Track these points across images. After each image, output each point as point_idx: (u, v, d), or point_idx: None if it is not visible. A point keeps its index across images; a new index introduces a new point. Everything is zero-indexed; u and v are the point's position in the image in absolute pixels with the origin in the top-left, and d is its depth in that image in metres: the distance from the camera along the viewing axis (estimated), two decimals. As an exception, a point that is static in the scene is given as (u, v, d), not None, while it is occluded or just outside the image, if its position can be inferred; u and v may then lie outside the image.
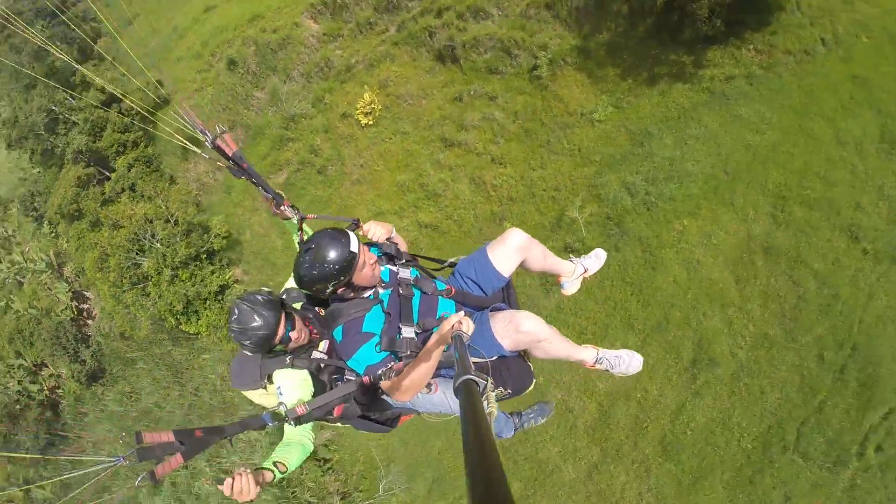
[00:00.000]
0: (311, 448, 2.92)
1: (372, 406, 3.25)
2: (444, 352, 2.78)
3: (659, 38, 14.91)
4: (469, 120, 15.98)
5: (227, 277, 18.60)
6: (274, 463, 2.59)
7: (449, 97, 16.76)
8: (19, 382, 23.49)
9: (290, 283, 3.29)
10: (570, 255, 3.92)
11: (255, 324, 2.75)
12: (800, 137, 12.78)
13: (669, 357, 11.77)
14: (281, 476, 2.57)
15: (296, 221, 3.37)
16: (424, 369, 2.75)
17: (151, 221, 17.85)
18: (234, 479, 2.25)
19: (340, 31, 19.71)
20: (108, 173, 22.05)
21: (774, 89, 13.51)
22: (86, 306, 25.00)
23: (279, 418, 2.50)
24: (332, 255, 2.76)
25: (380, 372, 2.81)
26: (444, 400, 3.18)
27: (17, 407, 22.99)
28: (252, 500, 2.29)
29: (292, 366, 3.01)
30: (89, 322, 24.31)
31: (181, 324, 17.68)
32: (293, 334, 2.93)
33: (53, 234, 24.61)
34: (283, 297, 3.15)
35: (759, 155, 12.91)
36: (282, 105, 19.48)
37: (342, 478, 14.75)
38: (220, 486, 2.25)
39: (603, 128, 14.57)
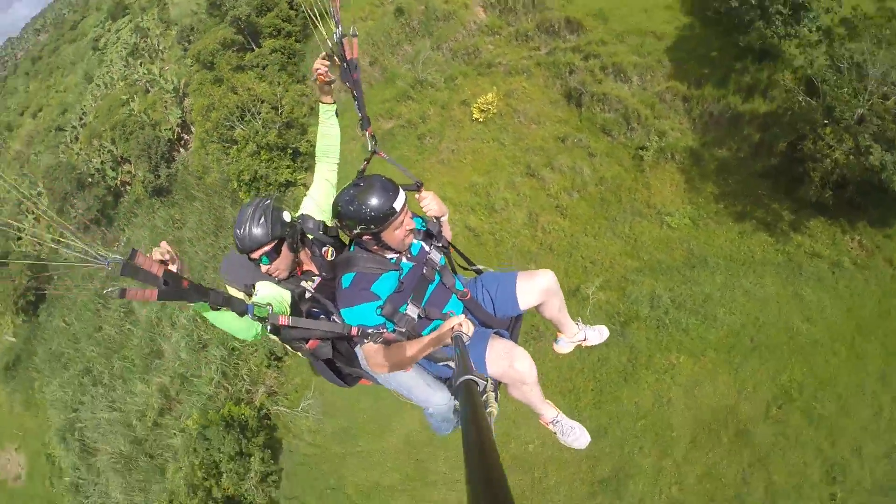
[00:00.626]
0: (249, 337, 2.78)
1: (345, 358, 3.30)
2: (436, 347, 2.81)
3: (774, 182, 14.57)
4: (559, 163, 16.39)
5: (296, 177, 20.55)
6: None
7: (555, 133, 17.18)
8: (102, 163, 26.99)
9: (307, 209, 3.23)
10: (578, 319, 4.01)
11: (240, 230, 2.75)
12: (845, 350, 12.08)
13: (585, 464, 11.67)
14: (202, 310, 2.44)
15: (369, 148, 3.34)
16: (411, 355, 2.79)
17: (263, 102, 20.04)
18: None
19: (500, 29, 20.56)
20: (254, 46, 24.45)
21: (852, 290, 12.87)
22: (186, 137, 28.11)
23: (260, 317, 2.47)
24: (374, 201, 2.73)
25: (370, 331, 2.83)
26: (409, 383, 3.21)
27: (90, 180, 26.55)
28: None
29: (278, 282, 3.00)
30: (181, 150, 27.39)
31: (240, 191, 19.87)
32: (265, 267, 2.91)
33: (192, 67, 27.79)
34: (298, 221, 3.10)
35: (794, 342, 12.37)
36: (417, 66, 20.79)
37: (280, 379, 16.06)
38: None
39: (669, 234, 14.55)
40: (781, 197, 14.28)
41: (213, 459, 12.94)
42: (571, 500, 11.49)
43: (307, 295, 3.02)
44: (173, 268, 2.11)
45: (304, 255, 3.03)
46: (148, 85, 29.88)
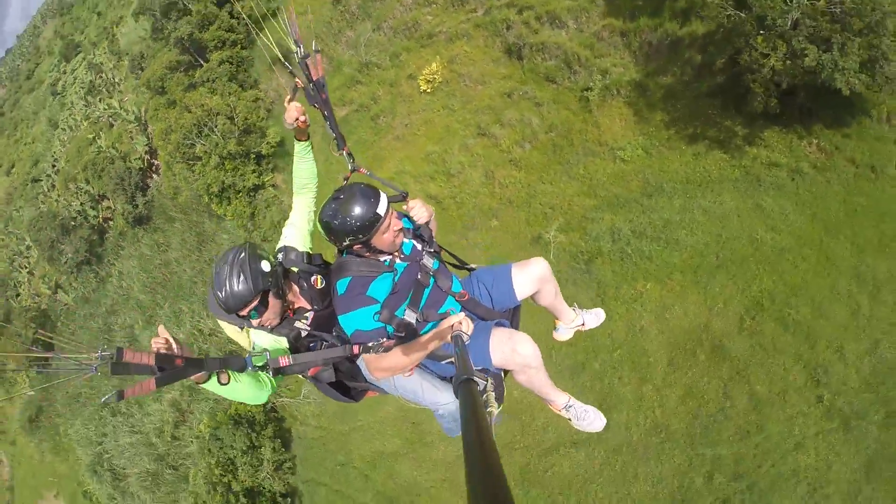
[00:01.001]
0: (264, 400, 2.82)
1: (346, 375, 3.31)
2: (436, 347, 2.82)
3: (722, 100, 14.50)
4: (508, 117, 16.57)
5: (264, 180, 21.04)
6: (222, 372, 2.45)
7: (501, 90, 17.29)
8: (81, 205, 27.63)
9: (288, 239, 3.14)
10: (575, 304, 4.06)
11: (221, 292, 2.64)
12: (814, 253, 12.10)
13: (568, 399, 12.49)
14: (211, 387, 2.44)
15: (349, 167, 3.31)
16: (411, 358, 2.78)
17: (218, 115, 20.47)
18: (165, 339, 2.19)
19: None
20: (202, 62, 24.75)
21: (815, 194, 12.84)
22: (156, 162, 28.68)
23: (260, 366, 2.47)
24: (357, 211, 2.75)
25: (371, 343, 2.81)
26: (415, 387, 3.20)
27: (72, 223, 27.29)
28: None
29: (271, 330, 2.94)
30: (154, 177, 27.98)
31: (212, 203, 20.40)
32: (255, 321, 2.84)
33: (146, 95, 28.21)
34: (280, 257, 3.05)
35: (760, 253, 12.46)
36: (360, 50, 20.93)
37: None
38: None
39: (623, 167, 14.70)
40: (732, 113, 14.27)
41: (227, 457, 13.77)
42: (560, 438, 11.91)
43: (303, 334, 2.98)
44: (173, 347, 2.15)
45: (291, 294, 2.97)
46: (111, 119, 30.35)
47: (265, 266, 2.71)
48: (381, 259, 2.98)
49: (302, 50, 3.01)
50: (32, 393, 26.48)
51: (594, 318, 4.10)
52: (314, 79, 3.08)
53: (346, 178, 3.27)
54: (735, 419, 10.85)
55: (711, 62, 15.00)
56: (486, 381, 2.46)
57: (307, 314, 3.03)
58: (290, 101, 3.05)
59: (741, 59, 13.59)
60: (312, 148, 3.28)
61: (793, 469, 10.39)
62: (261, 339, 2.86)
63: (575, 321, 4.01)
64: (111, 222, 27.09)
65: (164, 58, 23.39)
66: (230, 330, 3.11)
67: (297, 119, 3.03)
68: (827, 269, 11.80)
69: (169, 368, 2.00)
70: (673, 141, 14.81)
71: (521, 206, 15.07)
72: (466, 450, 1.09)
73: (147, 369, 1.94)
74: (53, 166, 31.33)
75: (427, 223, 3.21)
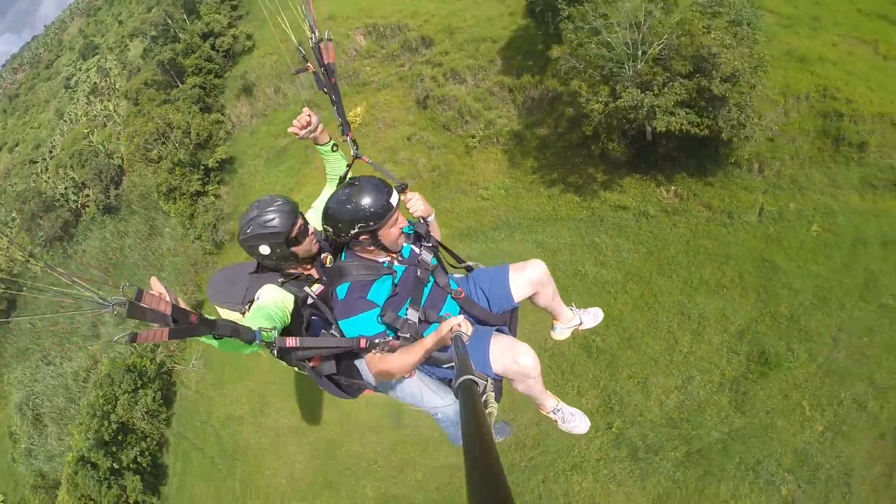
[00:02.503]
0: (250, 351, 2.73)
1: (346, 369, 3.38)
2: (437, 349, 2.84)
3: (588, 150, 15.92)
4: (401, 157, 20.34)
5: (206, 189, 25.55)
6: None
7: (404, 134, 21.06)
8: (65, 188, 32.77)
9: (309, 218, 3.27)
10: (572, 304, 4.16)
11: (271, 217, 2.89)
12: (639, 288, 13.17)
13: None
14: (206, 340, 2.40)
15: (352, 153, 3.47)
16: (413, 359, 2.85)
17: (176, 128, 25.21)
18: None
19: (375, 52, 25.09)
20: (179, 83, 29.75)
21: (656, 235, 14.04)
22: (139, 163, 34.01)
23: (268, 342, 2.52)
24: (371, 198, 2.83)
25: (377, 341, 2.89)
26: (414, 390, 3.32)
27: (55, 203, 32.38)
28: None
29: (282, 285, 3.06)
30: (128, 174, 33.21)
31: (160, 200, 25.02)
32: (305, 241, 3.04)
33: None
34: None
35: (582, 284, 13.82)
36: (302, 90, 26.00)
37: (182, 344, 20.11)
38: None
39: (482, 204, 17.72)
40: (596, 161, 16.14)
41: (113, 393, 17.78)
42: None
43: (309, 301, 3.10)
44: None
45: (303, 267, 3.17)
46: (105, 119, 36.04)
47: (292, 204, 3.04)
48: (380, 261, 3.08)
49: (317, 35, 3.16)
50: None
51: (592, 317, 4.27)
52: (325, 63, 3.22)
53: (349, 165, 3.48)
54: (517, 432, 11.72)
55: (576, 115, 16.70)
56: (486, 381, 2.53)
57: (317, 285, 3.18)
58: (296, 73, 3.36)
59: (579, 107, 14.87)
60: (336, 148, 3.43)
61: (565, 490, 11.20)
62: (269, 294, 2.92)
63: (572, 321, 4.16)
64: (87, 208, 32.07)
65: (143, 76, 28.86)
66: (229, 315, 3.22)
67: (294, 129, 3.19)
68: (650, 304, 12.89)
69: (183, 322, 2.05)
70: (535, 184, 17.42)
71: None
72: (466, 449, 1.14)
73: (162, 318, 1.96)
74: (50, 152, 36.69)
75: (425, 220, 3.34)
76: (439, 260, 3.57)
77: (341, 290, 3.04)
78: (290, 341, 2.63)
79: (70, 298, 1.83)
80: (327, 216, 2.98)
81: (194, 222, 24.11)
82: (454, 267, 3.86)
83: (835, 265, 12.05)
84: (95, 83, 38.99)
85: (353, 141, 3.50)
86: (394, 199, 2.92)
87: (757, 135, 13.87)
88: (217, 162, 24.91)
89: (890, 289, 11.35)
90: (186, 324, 2.07)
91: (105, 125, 35.43)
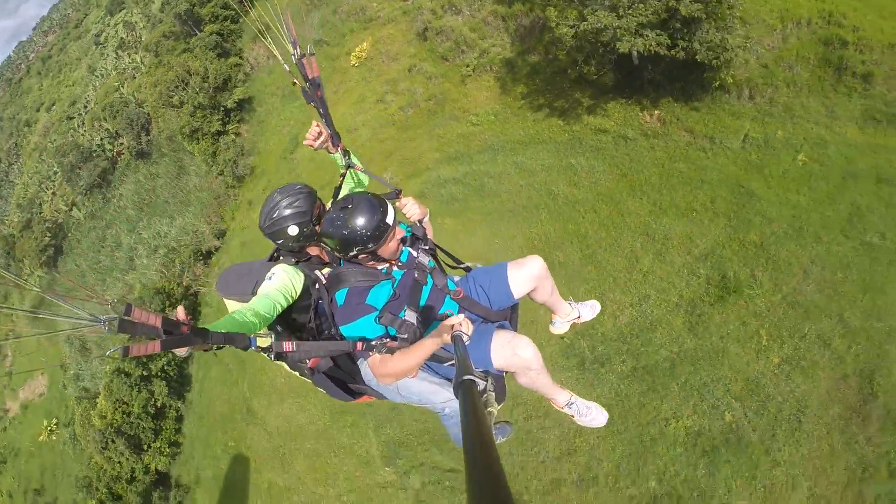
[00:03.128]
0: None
1: (346, 374, 3.54)
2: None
3: (578, 74, 16.31)
4: (401, 87, 21.48)
5: (227, 128, 27.77)
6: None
7: (405, 66, 22.06)
8: (101, 139, 35.78)
9: None
10: (570, 299, 4.34)
11: (295, 199, 3.19)
12: (608, 209, 13.36)
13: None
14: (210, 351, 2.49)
15: (342, 163, 3.59)
16: (415, 360, 2.92)
17: (195, 74, 27.25)
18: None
19: None
20: (197, 31, 31.57)
21: (633, 158, 14.20)
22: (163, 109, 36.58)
23: (264, 348, 2.58)
24: (367, 221, 2.88)
25: (374, 343, 2.96)
26: (420, 389, 3.40)
27: (92, 153, 35.53)
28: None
29: (296, 263, 3.25)
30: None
31: (185, 142, 27.44)
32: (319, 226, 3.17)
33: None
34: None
35: (554, 204, 14.31)
36: (314, 28, 26.98)
37: (206, 270, 22.70)
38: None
39: (471, 129, 18.58)
40: (584, 86, 16.57)
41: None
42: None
43: (317, 286, 3.24)
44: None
45: (318, 249, 3.40)
46: (133, 72, 38.56)
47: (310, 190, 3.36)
48: (379, 268, 3.18)
49: (298, 51, 3.34)
50: (39, 290, 34.75)
51: (589, 310, 4.39)
52: (310, 77, 3.40)
53: (343, 175, 3.66)
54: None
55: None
56: (487, 380, 2.55)
57: (326, 269, 3.35)
58: (295, 85, 3.52)
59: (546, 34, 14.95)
60: (349, 154, 3.61)
61: (513, 392, 13.66)
62: (280, 275, 3.07)
63: (571, 315, 4.27)
64: (122, 155, 35.01)
65: (161, 28, 31.02)
66: (238, 307, 3.24)
67: (309, 141, 3.45)
68: (616, 224, 13.04)
69: (175, 333, 2.11)
70: (523, 109, 17.95)
71: (389, 157, 20.61)
72: (466, 449, 1.16)
73: (153, 331, 2.03)
74: (85, 107, 39.67)
75: (420, 222, 3.45)
76: (437, 262, 3.69)
77: (340, 296, 3.13)
78: (287, 346, 2.66)
79: (62, 317, 1.87)
80: (324, 236, 3.09)
81: (217, 159, 26.28)
82: (452, 268, 4.02)
83: (818, 196, 11.68)
84: (122, 38, 41.47)
85: (345, 151, 3.63)
86: (390, 217, 2.97)
87: (739, 58, 13.38)
88: (235, 102, 26.83)
89: (877, 226, 10.82)
90: (178, 335, 2.13)
91: (134, 77, 37.93)
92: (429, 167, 19.28)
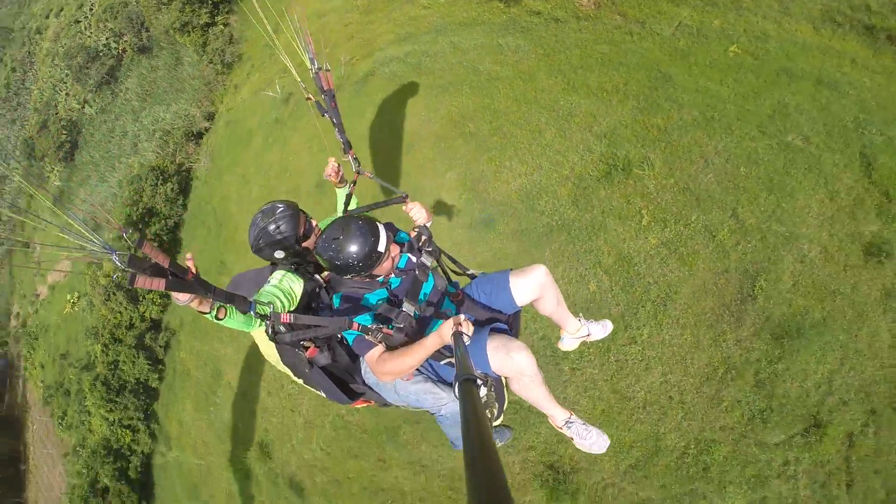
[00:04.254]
0: (251, 330, 3.24)
1: (344, 366, 3.68)
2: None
3: None
4: None
5: (216, 20, 29.22)
6: (220, 306, 2.90)
7: None
8: (106, 39, 38.58)
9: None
10: (580, 315, 4.43)
11: (277, 224, 3.45)
12: (523, 86, 13.78)
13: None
14: (210, 317, 2.89)
15: (353, 169, 3.84)
16: (415, 359, 3.11)
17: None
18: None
19: None
20: None
21: (559, 39, 14.33)
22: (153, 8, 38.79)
23: (262, 315, 2.80)
24: (358, 250, 3.11)
25: (371, 327, 3.16)
26: (417, 389, 3.58)
27: (99, 53, 38.45)
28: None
29: (295, 271, 3.48)
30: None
31: (176, 35, 29.54)
32: (312, 235, 3.56)
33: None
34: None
35: (476, 80, 14.86)
36: None
37: (197, 149, 26.53)
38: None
39: (422, 12, 19.16)
40: None
41: (141, 187, 23.72)
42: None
43: (317, 290, 3.55)
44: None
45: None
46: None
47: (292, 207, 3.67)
48: (377, 277, 3.42)
49: (316, 65, 3.61)
50: (60, 183, 39.01)
51: (601, 329, 4.49)
52: (325, 89, 3.68)
53: (354, 182, 3.99)
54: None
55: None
56: (487, 380, 2.62)
57: (326, 272, 3.59)
58: (308, 99, 3.76)
59: None
60: (359, 162, 3.94)
61: None
62: (277, 280, 3.34)
63: (580, 331, 4.41)
64: (126, 52, 37.77)
65: None
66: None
67: (330, 176, 3.72)
68: (529, 101, 13.37)
69: (178, 276, 2.34)
70: None
71: (350, 40, 22.09)
72: (466, 450, 1.22)
73: (160, 270, 2.23)
74: (91, 9, 42.41)
75: (425, 225, 3.65)
76: (441, 266, 3.89)
77: (336, 299, 3.35)
78: (285, 317, 2.80)
79: (79, 240, 2.05)
80: (319, 258, 3.26)
81: (206, 49, 28.34)
82: (457, 274, 4.16)
83: (742, 90, 11.43)
84: (120, -61, 43.20)
85: (356, 159, 3.86)
86: (381, 245, 3.14)
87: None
88: (225, -7, 28.70)
89: (802, 128, 10.51)
90: (183, 280, 2.31)
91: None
92: (381, 48, 21.02)
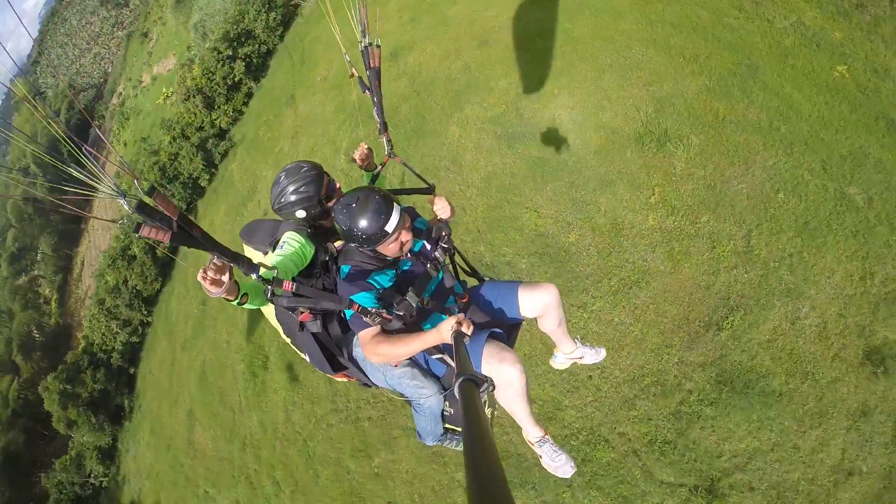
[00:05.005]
0: (263, 305, 3.26)
1: (335, 337, 3.66)
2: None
3: None
4: None
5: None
6: (244, 294, 2.92)
7: None
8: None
9: None
10: (577, 337, 4.47)
11: (301, 184, 3.43)
12: (611, 21, 13.19)
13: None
14: (234, 303, 2.90)
15: (385, 152, 3.89)
16: (409, 349, 3.08)
17: None
18: (210, 271, 2.54)
19: None
20: None
21: None
22: None
23: (266, 279, 2.73)
24: (365, 224, 3.08)
25: (371, 310, 3.11)
26: (402, 376, 3.55)
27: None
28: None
29: (308, 235, 3.45)
30: None
31: None
32: (335, 196, 3.53)
33: None
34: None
35: (568, 2, 14.06)
36: None
37: None
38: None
39: None
40: None
41: (246, 10, 25.17)
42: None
43: (327, 258, 3.52)
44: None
45: (332, 221, 3.55)
46: None
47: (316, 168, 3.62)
48: (388, 257, 3.39)
49: (367, 38, 3.56)
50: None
51: (594, 354, 4.53)
52: (371, 66, 3.61)
53: (383, 164, 4.02)
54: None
55: None
56: (487, 380, 2.54)
57: (339, 242, 3.59)
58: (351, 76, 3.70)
59: None
60: (377, 176, 3.98)
61: None
62: (289, 242, 3.33)
63: (574, 353, 4.44)
64: None
65: None
66: (254, 255, 3.76)
67: (358, 160, 3.81)
68: (604, 38, 12.58)
69: (185, 229, 2.28)
70: None
71: None
72: (466, 449, 1.21)
73: (167, 222, 2.19)
74: None
75: (446, 221, 3.60)
76: (453, 264, 3.90)
77: (343, 270, 3.33)
78: (287, 284, 2.80)
79: (96, 185, 2.12)
80: (335, 221, 3.26)
81: None
82: (468, 275, 4.17)
83: (828, 116, 10.16)
84: None
85: (389, 141, 3.85)
86: (390, 226, 3.10)
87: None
88: None
89: (870, 186, 8.64)
90: (189, 234, 2.31)
91: None
92: None
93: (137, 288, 24.77)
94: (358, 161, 3.95)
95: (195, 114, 24.78)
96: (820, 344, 7.61)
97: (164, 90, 35.30)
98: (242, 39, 24.64)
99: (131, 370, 25.47)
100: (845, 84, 10.42)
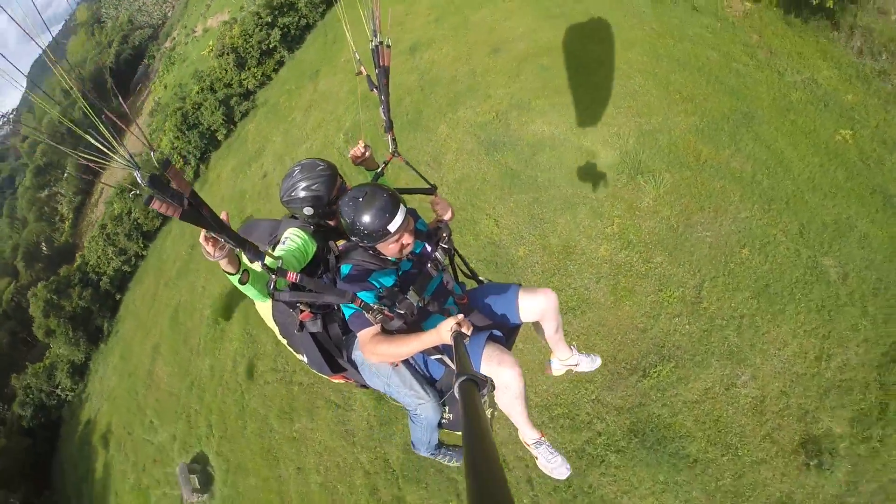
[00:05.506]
0: (264, 300, 3.23)
1: (334, 338, 3.62)
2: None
3: None
4: None
5: None
6: (245, 270, 2.82)
7: None
8: None
9: None
10: (573, 346, 4.48)
11: (314, 183, 3.40)
12: (622, 52, 13.06)
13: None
14: (235, 280, 2.83)
15: (389, 150, 3.84)
16: (408, 349, 3.06)
17: None
18: (210, 240, 2.50)
19: None
20: None
21: (682, 24, 13.24)
22: None
23: (270, 268, 2.70)
24: (368, 220, 3.06)
25: (373, 306, 3.08)
26: (399, 381, 3.52)
27: None
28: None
29: (312, 233, 3.41)
30: None
31: None
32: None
33: None
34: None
35: (584, 27, 13.96)
36: None
37: None
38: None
39: None
40: None
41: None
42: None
43: (329, 255, 3.45)
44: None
45: (336, 220, 3.54)
46: None
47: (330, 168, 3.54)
48: (389, 257, 3.34)
49: (378, 38, 3.53)
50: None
51: (589, 362, 4.55)
52: (381, 65, 3.60)
53: (386, 163, 3.98)
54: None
55: None
56: (488, 380, 2.50)
57: (342, 241, 3.57)
58: (358, 73, 3.68)
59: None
60: (380, 175, 3.92)
61: None
62: (291, 238, 3.29)
63: (569, 360, 4.44)
64: None
65: None
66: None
67: (351, 157, 3.76)
68: (608, 64, 12.76)
69: (195, 207, 2.27)
70: None
71: None
72: (467, 450, 1.20)
73: (178, 198, 2.17)
74: None
75: (446, 222, 3.60)
76: (452, 265, 3.93)
77: (344, 269, 3.31)
78: (291, 275, 2.78)
79: (112, 155, 2.16)
80: (339, 216, 3.27)
81: None
82: (467, 277, 4.20)
83: (819, 179, 9.68)
84: None
85: (394, 140, 3.83)
86: (392, 225, 3.07)
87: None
88: None
89: (848, 262, 7.90)
90: (198, 212, 2.29)
91: None
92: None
93: (139, 221, 25.75)
94: (351, 159, 3.87)
95: (226, 70, 25.65)
96: (753, 418, 6.84)
97: (210, 43, 36.32)
98: (285, 10, 25.38)
99: (118, 296, 26.42)
100: (846, 149, 9.85)
